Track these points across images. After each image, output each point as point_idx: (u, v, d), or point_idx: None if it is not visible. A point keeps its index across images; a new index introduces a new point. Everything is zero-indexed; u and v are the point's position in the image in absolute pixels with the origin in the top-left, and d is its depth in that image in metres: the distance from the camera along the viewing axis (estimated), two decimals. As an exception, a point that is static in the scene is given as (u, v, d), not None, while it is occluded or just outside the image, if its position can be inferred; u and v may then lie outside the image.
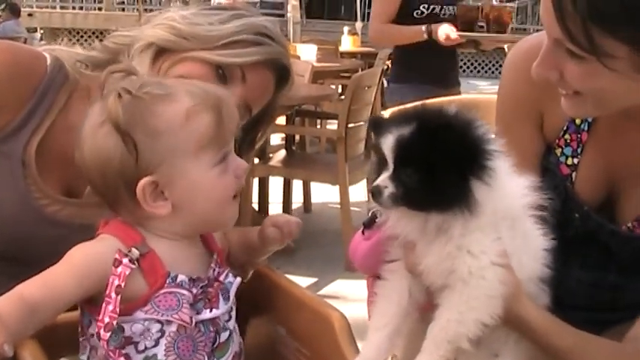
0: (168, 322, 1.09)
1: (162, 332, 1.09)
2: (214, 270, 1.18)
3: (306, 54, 6.64)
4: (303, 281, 3.69)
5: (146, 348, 1.09)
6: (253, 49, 1.41)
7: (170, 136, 1.09)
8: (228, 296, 1.18)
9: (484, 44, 4.06)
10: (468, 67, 16.33)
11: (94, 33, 15.28)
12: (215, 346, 1.15)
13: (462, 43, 3.75)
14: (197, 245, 1.20)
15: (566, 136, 1.38)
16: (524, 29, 13.93)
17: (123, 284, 1.06)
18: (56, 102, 1.41)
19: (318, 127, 6.13)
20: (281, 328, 1.35)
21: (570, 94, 1.18)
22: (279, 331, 1.35)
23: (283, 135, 5.07)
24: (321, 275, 3.98)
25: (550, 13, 1.09)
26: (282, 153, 4.71)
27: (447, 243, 1.10)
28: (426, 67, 3.71)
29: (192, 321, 1.10)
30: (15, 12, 12.35)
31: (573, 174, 1.37)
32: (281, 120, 4.55)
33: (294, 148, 4.96)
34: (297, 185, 5.00)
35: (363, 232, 1.23)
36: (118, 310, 1.05)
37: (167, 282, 1.10)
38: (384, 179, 1.09)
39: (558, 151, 1.38)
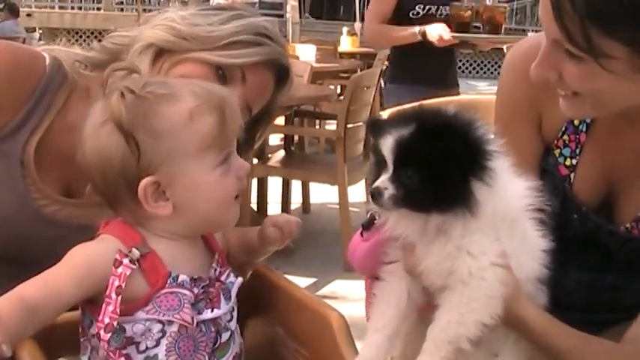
0: (170, 323, 1.09)
1: (163, 332, 1.09)
2: (215, 270, 1.18)
3: (305, 54, 6.63)
4: (302, 281, 3.69)
5: (147, 348, 1.09)
6: (253, 50, 1.42)
7: (173, 136, 1.09)
8: (230, 296, 1.18)
9: (479, 45, 4.06)
10: (467, 68, 16.33)
11: (92, 33, 15.26)
12: (216, 346, 1.15)
13: (458, 43, 3.74)
14: (198, 245, 1.20)
15: (565, 137, 1.38)
16: (523, 30, 13.92)
17: (123, 285, 1.06)
18: (55, 102, 1.41)
19: (317, 127, 6.13)
20: (280, 329, 1.35)
21: (569, 95, 1.18)
22: (277, 332, 1.35)
23: (282, 135, 5.07)
24: (320, 275, 3.98)
25: (549, 13, 1.09)
26: (281, 153, 4.71)
27: (447, 244, 1.10)
28: (423, 67, 3.71)
29: (193, 321, 1.10)
30: (14, 12, 12.35)
31: (572, 175, 1.37)
32: (280, 120, 4.55)
33: (292, 148, 4.96)
34: (295, 185, 5.00)
35: (361, 234, 1.23)
36: (118, 310, 1.05)
37: (168, 282, 1.10)
38: (383, 181, 1.09)
39: (557, 152, 1.38)
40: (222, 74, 1.40)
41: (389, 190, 1.08)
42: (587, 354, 1.17)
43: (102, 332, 1.05)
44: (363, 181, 4.47)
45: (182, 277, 1.11)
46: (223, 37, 1.40)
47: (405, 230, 1.13)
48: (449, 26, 3.58)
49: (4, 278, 1.09)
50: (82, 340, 1.15)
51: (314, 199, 5.19)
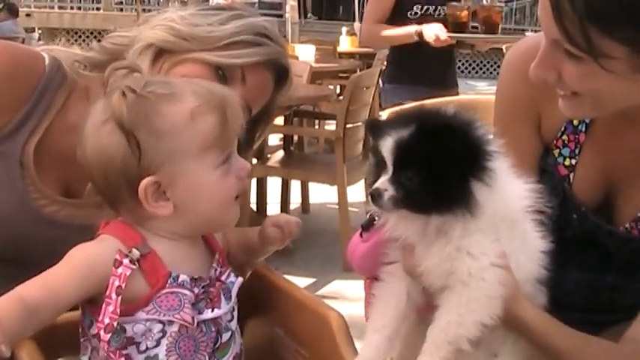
0: (170, 323, 1.09)
1: (163, 332, 1.09)
2: (216, 270, 1.18)
3: (304, 54, 6.64)
4: (301, 282, 3.69)
5: (147, 348, 1.09)
6: (253, 50, 1.41)
7: (174, 136, 1.09)
8: (230, 296, 1.18)
9: (477, 45, 4.04)
10: (466, 68, 16.33)
11: (92, 33, 15.26)
12: (216, 346, 1.15)
13: (456, 43, 3.73)
14: (198, 245, 1.20)
15: (564, 137, 1.38)
16: (522, 30, 13.93)
17: (123, 285, 1.05)
18: (54, 102, 1.40)
19: (317, 127, 6.13)
20: (279, 329, 1.35)
21: (568, 95, 1.18)
22: (277, 332, 1.35)
23: (281, 135, 5.06)
24: (320, 275, 3.98)
25: (548, 13, 1.09)
26: (281, 153, 4.71)
27: (447, 244, 1.09)
28: (421, 67, 3.69)
29: (194, 321, 1.10)
30: (13, 12, 12.33)
31: (571, 175, 1.37)
32: (279, 120, 4.55)
33: (292, 148, 4.96)
34: (295, 186, 5.00)
35: (361, 235, 1.23)
36: (118, 311, 1.05)
37: (169, 282, 1.10)
38: (383, 182, 1.09)
39: (556, 152, 1.38)
40: (222, 74, 1.40)
41: (389, 192, 1.08)
42: (586, 354, 1.17)
43: (102, 333, 1.05)
44: (363, 181, 4.46)
45: (182, 277, 1.11)
46: (223, 38, 1.40)
47: (405, 231, 1.12)
48: (446, 26, 3.55)
49: (3, 279, 1.09)
50: (82, 340, 1.14)
51: (313, 199, 5.19)
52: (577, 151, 1.36)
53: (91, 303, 1.09)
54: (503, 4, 4.30)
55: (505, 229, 1.13)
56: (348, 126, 4.16)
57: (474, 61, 16.42)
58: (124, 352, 1.08)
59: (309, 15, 19.07)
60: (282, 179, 4.79)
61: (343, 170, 4.12)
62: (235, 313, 1.20)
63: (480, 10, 3.72)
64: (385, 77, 4.04)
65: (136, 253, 1.08)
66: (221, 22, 1.42)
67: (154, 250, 1.11)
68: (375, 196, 1.09)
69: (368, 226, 1.21)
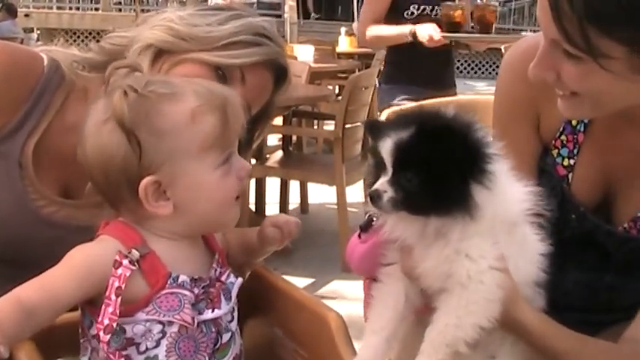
0: (170, 323, 1.09)
1: (163, 333, 1.09)
2: (216, 270, 1.18)
3: (303, 55, 6.64)
4: (300, 282, 3.69)
5: (147, 349, 1.09)
6: (252, 50, 1.41)
7: (175, 135, 1.09)
8: (230, 296, 1.18)
9: (472, 45, 4.02)
10: (464, 68, 16.34)
11: (90, 34, 15.26)
12: (217, 347, 1.15)
13: (454, 44, 3.71)
14: (198, 245, 1.20)
15: (563, 137, 1.38)
16: (521, 30, 13.93)
17: (123, 286, 1.05)
18: (53, 103, 1.40)
19: (315, 127, 6.13)
20: (278, 329, 1.35)
21: (567, 96, 1.18)
22: (276, 332, 1.35)
23: (280, 136, 5.06)
24: (319, 276, 3.98)
25: (547, 14, 1.09)
26: (279, 154, 4.70)
27: (446, 247, 1.09)
28: (418, 68, 3.67)
29: (194, 321, 1.10)
30: (12, 12, 12.33)
31: (570, 175, 1.37)
32: (278, 121, 4.55)
33: (291, 148, 4.95)
34: (294, 186, 5.00)
35: (359, 236, 1.23)
36: (118, 311, 1.05)
37: (168, 282, 1.10)
38: (382, 183, 1.08)
39: (555, 152, 1.38)
40: (221, 74, 1.40)
41: (388, 193, 1.08)
42: (584, 355, 1.17)
43: (101, 333, 1.05)
44: (361, 182, 4.47)
45: (182, 278, 1.11)
46: (222, 38, 1.40)
47: (404, 233, 1.12)
48: (440, 26, 3.52)
49: (2, 279, 1.09)
50: (81, 341, 1.14)
51: (312, 200, 5.18)
52: (576, 151, 1.37)
53: (91, 304, 1.09)
54: (497, 4, 4.25)
55: (504, 232, 1.12)
56: (347, 126, 4.15)
57: (473, 62, 16.43)
58: (124, 352, 1.08)
59: (312, 15, 19.07)
60: (281, 179, 4.79)
61: (342, 170, 4.12)
62: (235, 314, 1.20)
63: (474, 9, 3.69)
64: (382, 78, 4.01)
65: (135, 253, 1.08)
66: (220, 22, 1.42)
67: (153, 251, 1.11)
68: (374, 197, 1.08)
69: (366, 227, 1.21)
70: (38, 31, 15.62)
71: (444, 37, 3.50)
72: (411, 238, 1.12)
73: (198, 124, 1.10)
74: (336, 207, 4.19)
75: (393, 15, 3.63)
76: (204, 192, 1.12)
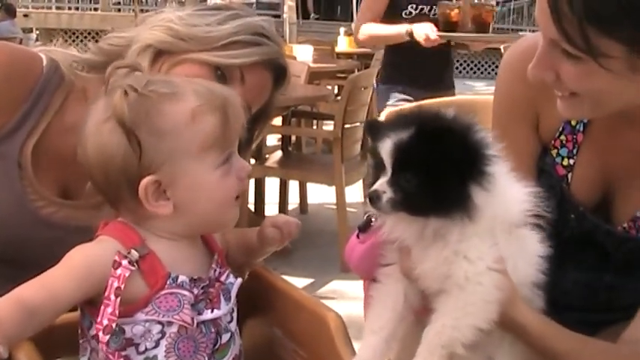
0: (169, 323, 1.09)
1: (162, 333, 1.09)
2: (215, 270, 1.18)
3: (302, 55, 6.64)
4: (299, 282, 3.69)
5: (146, 349, 1.09)
6: (252, 50, 1.41)
7: (175, 135, 1.09)
8: (230, 297, 1.18)
9: (471, 45, 4.00)
10: (464, 68, 16.34)
11: (89, 34, 15.25)
12: (216, 347, 1.15)
13: (453, 44, 3.70)
14: (198, 245, 1.20)
15: (562, 137, 1.38)
16: (520, 30, 13.94)
17: (122, 286, 1.05)
18: (52, 103, 1.40)
19: (315, 127, 6.13)
20: (277, 330, 1.35)
21: (566, 96, 1.18)
22: (275, 333, 1.35)
23: (279, 136, 5.05)
24: (318, 276, 3.98)
25: (546, 14, 1.09)
26: (279, 154, 4.70)
27: (444, 248, 1.09)
28: (418, 68, 3.65)
29: (193, 322, 1.10)
30: (10, 12, 12.32)
31: (569, 175, 1.37)
32: (277, 121, 4.55)
33: (290, 148, 4.95)
34: (293, 186, 4.99)
35: (358, 236, 1.23)
36: (117, 312, 1.05)
37: (168, 283, 1.09)
38: (382, 184, 1.08)
39: (554, 152, 1.39)
40: (221, 74, 1.39)
41: (387, 194, 1.08)
42: (584, 356, 1.17)
43: (101, 334, 1.05)
44: (361, 182, 4.47)
45: (182, 278, 1.11)
46: (221, 38, 1.40)
47: (403, 234, 1.12)
48: (436, 26, 3.50)
49: (1, 279, 1.09)
50: (81, 341, 1.14)
51: (311, 200, 5.18)
52: (575, 151, 1.37)
53: (90, 304, 1.09)
54: (494, 4, 4.21)
55: (503, 233, 1.12)
56: (346, 126, 4.15)
57: (472, 62, 16.43)
58: (123, 353, 1.08)
59: (311, 15, 19.06)
60: (280, 179, 4.78)
61: (341, 170, 4.11)
62: (235, 315, 1.20)
63: (470, 9, 3.67)
64: (380, 78, 3.99)
65: (134, 254, 1.08)
66: (219, 22, 1.42)
67: (153, 251, 1.11)
68: (373, 198, 1.08)
69: (365, 227, 1.21)
70: (37, 31, 15.61)
71: (440, 36, 3.48)
72: (410, 238, 1.12)
73: (199, 124, 1.10)
74: (335, 207, 4.19)
75: (391, 15, 3.61)
76: (204, 192, 1.12)
